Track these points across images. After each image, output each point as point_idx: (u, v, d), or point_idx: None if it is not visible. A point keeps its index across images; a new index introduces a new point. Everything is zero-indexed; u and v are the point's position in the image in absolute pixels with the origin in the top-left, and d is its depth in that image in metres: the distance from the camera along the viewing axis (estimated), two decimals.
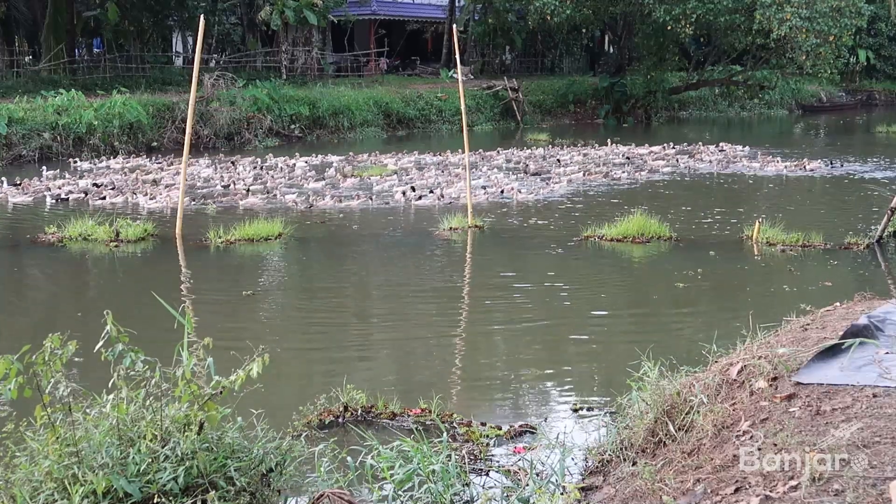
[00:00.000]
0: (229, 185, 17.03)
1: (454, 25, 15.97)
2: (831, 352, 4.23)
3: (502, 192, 15.88)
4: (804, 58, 30.67)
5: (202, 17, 13.19)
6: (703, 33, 35.87)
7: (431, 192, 15.78)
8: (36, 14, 32.92)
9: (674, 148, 22.94)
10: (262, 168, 19.64)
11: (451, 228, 12.59)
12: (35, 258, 11.70)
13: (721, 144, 23.54)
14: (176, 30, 38.36)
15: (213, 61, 34.43)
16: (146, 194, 15.80)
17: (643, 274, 10.62)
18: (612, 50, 44.16)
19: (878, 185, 17.10)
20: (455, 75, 26.64)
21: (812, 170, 19.34)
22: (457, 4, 38.67)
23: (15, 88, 25.06)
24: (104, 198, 15.60)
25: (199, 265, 11.16)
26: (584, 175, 18.04)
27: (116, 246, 11.76)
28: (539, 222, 13.58)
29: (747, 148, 23.03)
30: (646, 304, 9.14)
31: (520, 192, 15.89)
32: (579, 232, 12.17)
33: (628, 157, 21.31)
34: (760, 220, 11.69)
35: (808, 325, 5.14)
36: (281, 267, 11.36)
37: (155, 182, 17.40)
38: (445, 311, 8.99)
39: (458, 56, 14.27)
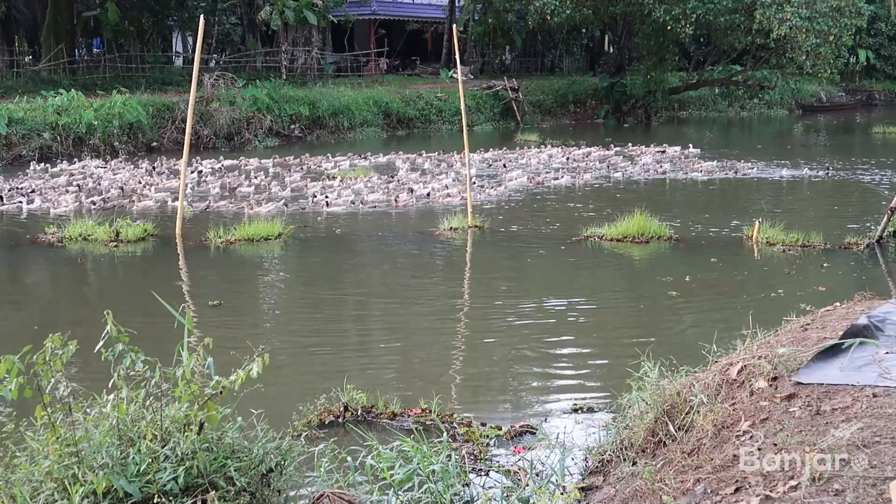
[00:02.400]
0: (126, 188, 16.70)
1: (454, 25, 15.96)
2: (831, 352, 4.23)
3: (428, 195, 15.57)
4: (804, 58, 30.69)
5: (202, 17, 13.19)
6: (703, 33, 35.88)
7: (325, 197, 15.21)
8: (36, 14, 32.92)
9: (611, 149, 22.61)
10: (195, 172, 18.89)
11: (451, 228, 12.59)
12: (35, 258, 11.69)
13: (663, 146, 23.07)
14: (176, 30, 38.37)
15: (213, 61, 34.43)
16: (43, 199, 15.42)
17: (643, 274, 10.62)
18: (612, 50, 44.16)
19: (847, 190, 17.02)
20: (455, 75, 26.65)
21: (745, 174, 18.82)
22: (457, 4, 38.66)
23: (15, 88, 25.05)
24: (32, 201, 15.25)
25: (199, 265, 11.16)
26: (528, 180, 17.58)
27: (116, 246, 11.76)
28: (539, 223, 13.58)
29: (698, 150, 22.69)
30: (646, 303, 9.13)
31: (449, 195, 15.54)
32: (579, 232, 12.17)
33: (568, 157, 21.08)
34: (760, 220, 11.69)
35: (808, 325, 5.14)
36: (281, 267, 11.36)
37: (79, 186, 16.97)
38: (445, 312, 8.99)
39: (458, 56, 14.27)
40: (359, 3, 37.15)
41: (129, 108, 23.49)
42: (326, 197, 15.26)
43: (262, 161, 20.94)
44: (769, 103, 39.45)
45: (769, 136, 31.72)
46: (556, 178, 17.93)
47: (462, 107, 13.87)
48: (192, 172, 18.53)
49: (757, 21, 29.23)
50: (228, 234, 12.00)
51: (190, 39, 38.45)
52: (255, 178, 17.95)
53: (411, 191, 15.82)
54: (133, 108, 23.61)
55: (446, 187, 16.41)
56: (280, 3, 31.23)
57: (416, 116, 31.47)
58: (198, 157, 21.09)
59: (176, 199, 15.40)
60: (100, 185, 17.24)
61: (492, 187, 16.63)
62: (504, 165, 19.89)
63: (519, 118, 33.59)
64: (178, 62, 36.12)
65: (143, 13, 34.07)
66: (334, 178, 17.90)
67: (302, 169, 19.63)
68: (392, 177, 17.86)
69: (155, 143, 24.18)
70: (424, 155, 21.60)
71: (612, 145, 23.37)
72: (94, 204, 15.00)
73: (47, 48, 29.57)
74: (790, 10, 28.69)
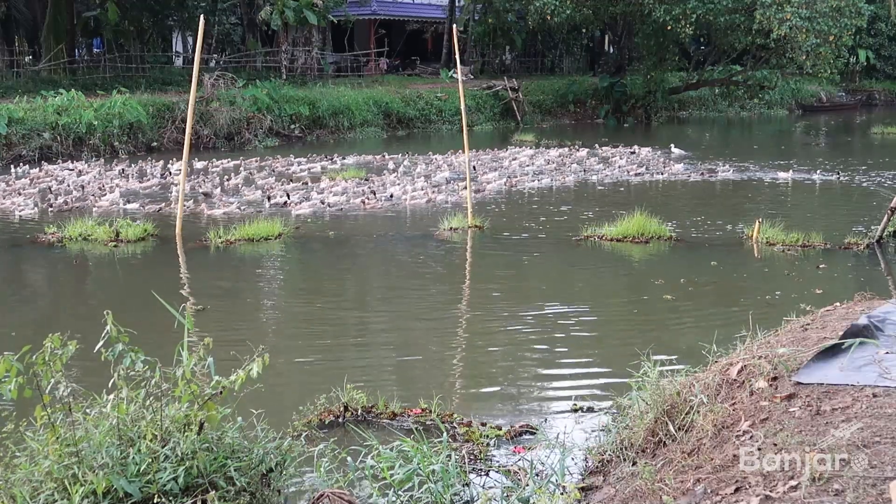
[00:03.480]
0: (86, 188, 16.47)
1: (454, 25, 15.95)
2: (831, 352, 4.23)
3: (391, 196, 15.41)
4: (804, 58, 30.70)
5: (202, 17, 13.19)
6: (703, 33, 35.89)
7: (294, 201, 15.07)
8: (36, 14, 32.93)
9: (580, 150, 22.47)
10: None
11: (450, 229, 12.60)
12: (35, 258, 11.69)
13: (634, 147, 23.00)
14: (176, 30, 38.37)
15: (213, 61, 34.42)
16: None
17: (643, 274, 10.62)
18: (612, 50, 44.18)
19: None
20: (455, 75, 26.64)
21: (712, 176, 18.45)
22: (457, 4, 38.67)
23: (15, 88, 25.05)
24: None
25: (199, 265, 11.16)
26: (504, 183, 17.21)
27: (116, 246, 11.76)
28: (538, 222, 13.58)
29: (677, 150, 22.55)
30: (646, 304, 9.13)
31: (415, 198, 15.37)
32: (579, 232, 12.17)
33: (548, 161, 20.65)
34: (760, 220, 11.69)
35: (808, 325, 5.14)
36: (281, 266, 11.35)
37: (49, 188, 16.58)
38: (446, 312, 8.99)
39: (458, 56, 14.27)
40: (359, 3, 37.16)
41: (129, 108, 23.49)
42: (288, 199, 14.98)
43: (233, 163, 20.57)
44: (769, 103, 39.46)
45: (767, 137, 31.67)
46: (532, 181, 17.63)
47: (462, 107, 13.88)
48: (162, 176, 18.20)
49: (757, 21, 29.24)
50: (228, 234, 12.01)
51: (190, 39, 38.45)
52: (227, 180, 17.63)
53: (374, 193, 15.63)
54: (133, 108, 23.60)
55: (421, 188, 16.17)
56: (280, 3, 31.23)
57: (416, 116, 31.46)
58: (173, 160, 20.47)
59: (129, 202, 15.16)
60: (67, 187, 16.85)
61: (463, 189, 16.18)
62: (474, 167, 19.04)
63: (519, 118, 33.59)
64: (178, 62, 36.11)
65: (143, 13, 34.07)
66: (298, 181, 17.58)
67: (273, 172, 19.11)
68: (366, 179, 17.51)
69: (155, 143, 24.18)
70: (386, 157, 21.29)
71: (577, 146, 23.30)
72: (52, 206, 14.74)
73: (47, 48, 29.57)
74: (790, 10, 28.69)
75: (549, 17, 31.81)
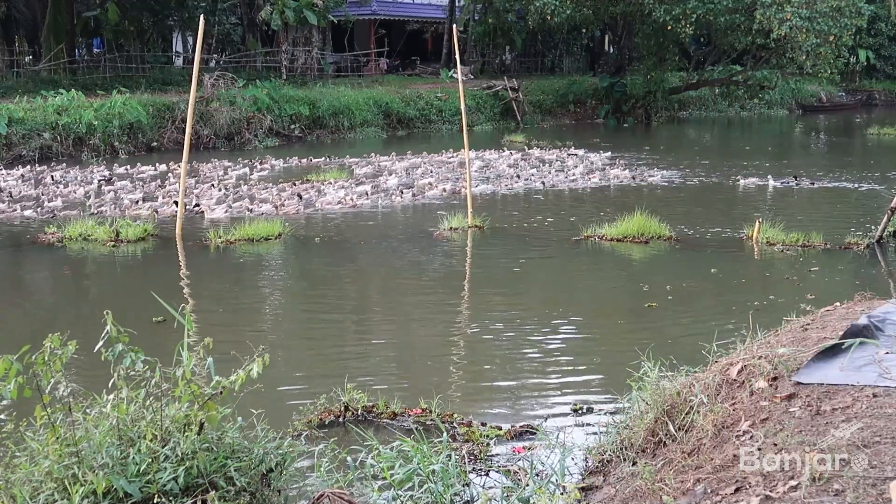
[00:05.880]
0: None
1: (454, 25, 15.95)
2: (831, 352, 4.22)
3: (310, 200, 15.15)
4: (804, 58, 30.70)
5: (202, 17, 13.19)
6: (703, 33, 35.89)
7: (193, 203, 14.74)
8: (36, 14, 32.95)
9: (516, 152, 22.40)
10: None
11: (451, 229, 12.60)
12: (35, 258, 11.69)
13: (570, 146, 23.01)
14: (176, 30, 38.38)
15: (213, 61, 34.43)
16: None
17: (643, 274, 10.61)
18: (612, 50, 44.19)
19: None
20: (455, 75, 26.63)
21: (645, 181, 17.91)
22: (457, 4, 38.67)
23: (15, 88, 25.05)
24: None
25: (199, 265, 11.16)
26: (441, 191, 16.45)
27: (115, 246, 11.76)
28: (538, 223, 13.59)
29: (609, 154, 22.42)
30: (645, 303, 9.13)
31: (341, 203, 15.06)
32: (579, 232, 12.17)
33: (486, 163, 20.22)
34: (760, 219, 11.69)
35: (808, 325, 5.13)
36: (281, 267, 11.35)
37: None
38: (446, 312, 8.99)
39: (458, 56, 14.27)
40: (359, 3, 37.16)
41: (129, 108, 23.49)
42: (197, 204, 14.77)
43: (158, 167, 19.85)
44: (769, 103, 39.47)
45: (762, 138, 31.61)
46: (477, 187, 16.89)
47: (462, 107, 13.88)
48: (94, 183, 17.50)
49: (757, 21, 29.24)
50: (228, 234, 12.02)
51: (190, 39, 38.46)
52: (160, 185, 17.04)
53: (300, 197, 15.25)
54: (133, 108, 23.60)
55: (348, 195, 15.67)
56: (280, 3, 31.23)
57: (416, 116, 31.46)
58: (99, 165, 20.09)
59: (27, 208, 14.63)
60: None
61: (398, 193, 15.97)
62: (418, 172, 18.77)
63: (519, 118, 33.58)
64: (178, 62, 36.12)
65: (143, 13, 34.07)
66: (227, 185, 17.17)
67: (199, 176, 18.58)
68: (293, 184, 16.94)
69: (155, 144, 24.19)
70: (312, 160, 21.03)
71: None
72: None
73: (47, 48, 29.58)
74: (790, 10, 28.69)
75: (549, 17, 31.82)
